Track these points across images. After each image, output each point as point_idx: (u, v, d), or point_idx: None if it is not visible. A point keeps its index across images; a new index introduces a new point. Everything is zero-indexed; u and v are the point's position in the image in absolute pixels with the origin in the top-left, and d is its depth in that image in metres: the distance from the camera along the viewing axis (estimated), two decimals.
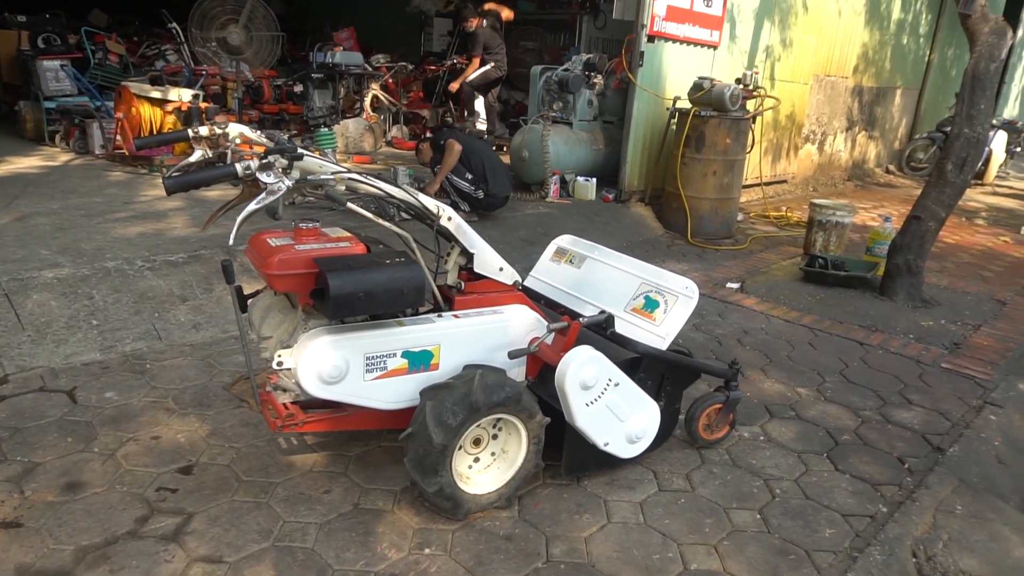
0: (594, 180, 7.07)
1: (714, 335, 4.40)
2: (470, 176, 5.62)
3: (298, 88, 8.86)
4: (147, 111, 6.64)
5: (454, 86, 9.10)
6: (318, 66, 8.68)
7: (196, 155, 2.42)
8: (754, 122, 6.95)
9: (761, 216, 7.97)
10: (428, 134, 7.30)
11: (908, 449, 3.16)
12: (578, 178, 7.09)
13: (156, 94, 6.73)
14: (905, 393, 3.72)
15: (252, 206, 1.96)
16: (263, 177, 1.98)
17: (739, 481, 2.84)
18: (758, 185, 8.31)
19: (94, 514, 2.38)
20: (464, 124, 9.50)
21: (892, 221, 5.74)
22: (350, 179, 2.19)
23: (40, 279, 3.76)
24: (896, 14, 10.27)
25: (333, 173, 2.14)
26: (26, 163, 6.64)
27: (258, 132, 2.52)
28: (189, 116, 6.45)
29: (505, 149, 8.60)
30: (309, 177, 2.11)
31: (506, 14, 9.11)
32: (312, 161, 2.13)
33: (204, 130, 2.41)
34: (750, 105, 6.86)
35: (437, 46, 12.40)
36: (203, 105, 6.93)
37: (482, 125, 9.56)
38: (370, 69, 9.43)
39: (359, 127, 8.32)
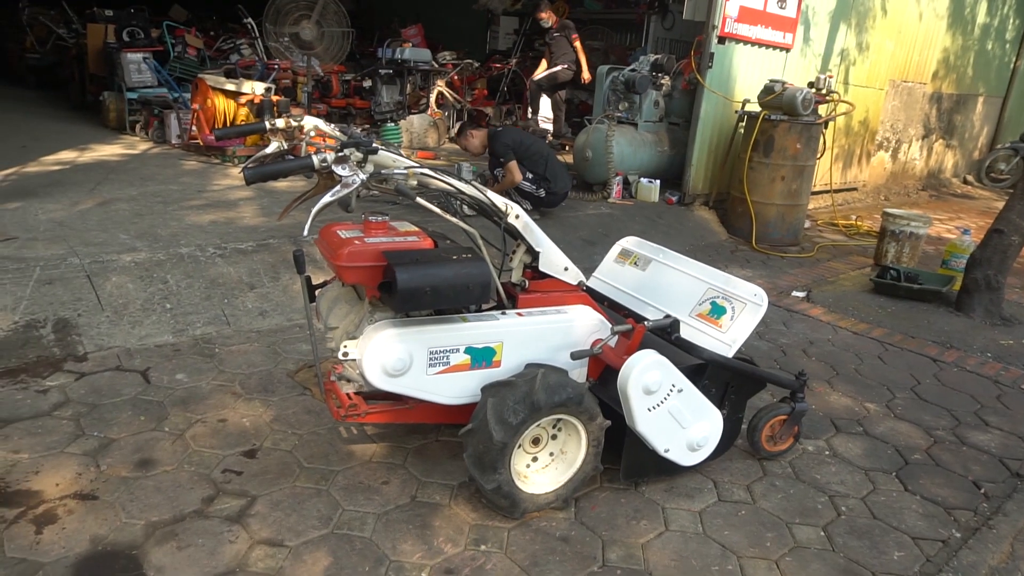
0: (658, 182, 6.97)
1: (778, 344, 4.28)
2: (531, 176, 5.60)
3: (366, 83, 9.01)
4: (221, 103, 6.85)
5: (536, 76, 8.97)
6: (386, 62, 8.81)
7: (272, 147, 2.47)
8: (826, 127, 6.75)
9: (829, 224, 7.73)
10: (482, 123, 7.24)
11: (984, 473, 3.01)
12: (641, 179, 7.01)
13: (230, 86, 6.94)
14: (981, 414, 3.55)
15: (327, 198, 1.99)
16: (338, 170, 2.00)
17: (802, 496, 2.75)
18: (827, 192, 8.06)
19: (164, 491, 2.46)
20: (528, 123, 9.50)
21: (971, 234, 5.49)
22: (423, 174, 2.20)
23: (119, 262, 3.91)
24: (981, 18, 9.80)
25: (407, 168, 2.15)
26: (108, 151, 6.93)
27: (332, 126, 2.56)
28: (261, 108, 6.61)
29: (568, 149, 8.57)
30: (383, 171, 2.13)
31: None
32: (386, 156, 2.15)
33: (280, 122, 2.46)
34: (822, 110, 6.66)
35: (503, 44, 12.43)
36: (274, 98, 7.11)
37: (547, 124, 9.53)
38: (436, 66, 9.52)
39: (424, 123, 8.41)
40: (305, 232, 1.98)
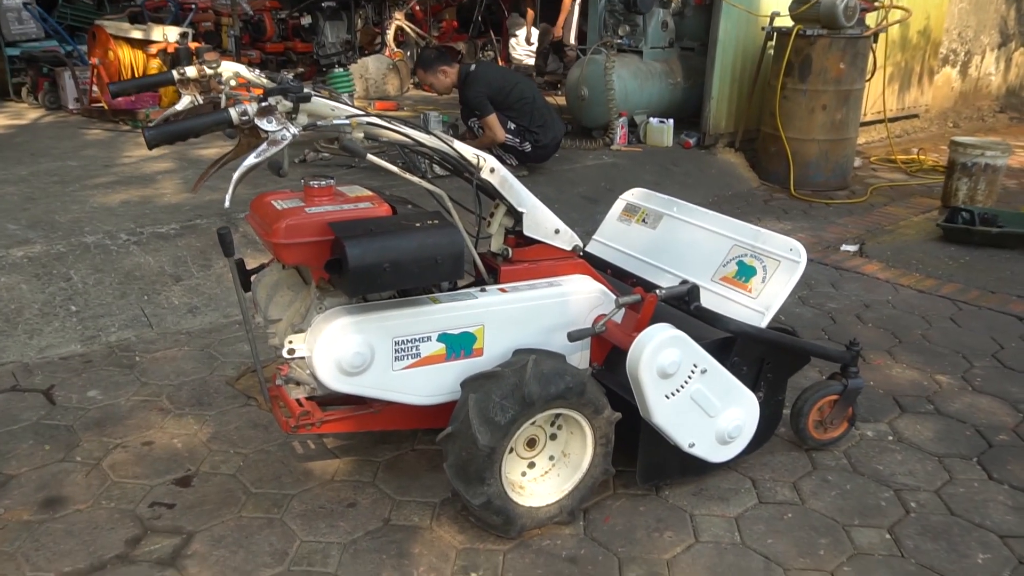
0: (671, 122, 6.97)
1: (826, 310, 4.30)
2: (513, 126, 5.58)
3: (306, 21, 8.93)
4: (127, 55, 6.81)
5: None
6: None
7: (184, 102, 2.46)
8: (875, 41, 6.73)
9: (885, 161, 7.75)
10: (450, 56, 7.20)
11: None
12: (651, 120, 7.00)
13: (137, 34, 6.89)
14: None
15: (251, 159, 1.98)
16: (263, 124, 1.99)
17: (862, 492, 2.78)
18: (881, 122, 8.06)
19: (77, 535, 2.46)
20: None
21: None
22: (370, 123, 2.19)
23: (7, 259, 3.90)
24: None
25: (348, 117, 2.14)
26: None
27: (257, 72, 2.55)
28: (177, 59, 6.57)
29: (560, 88, 8.55)
30: (319, 123, 2.12)
31: None
32: (322, 103, 2.13)
33: (192, 71, 2.44)
34: (870, 19, 6.65)
35: None
36: (193, 45, 7.06)
37: (528, 58, 9.49)
38: None
39: (381, 66, 8.35)
40: (227, 203, 1.97)
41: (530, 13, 9.47)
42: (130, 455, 2.87)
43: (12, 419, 3.08)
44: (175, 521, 2.53)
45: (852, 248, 5.29)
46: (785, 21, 6.56)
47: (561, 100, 7.68)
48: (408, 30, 9.58)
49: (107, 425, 3.05)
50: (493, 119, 5.45)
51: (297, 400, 2.50)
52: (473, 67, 5.64)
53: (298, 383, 2.53)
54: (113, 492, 2.66)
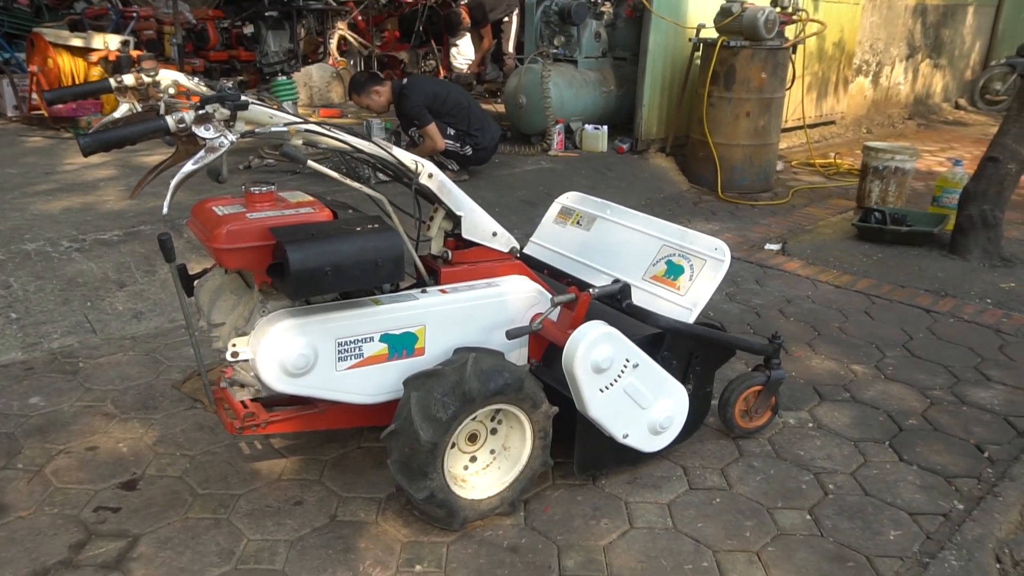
0: (605, 128, 7.03)
1: (751, 305, 4.39)
2: (452, 131, 5.58)
3: (249, 30, 8.79)
4: (67, 63, 6.61)
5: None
6: (271, 2, 8.61)
7: (122, 109, 2.40)
8: (794, 52, 6.90)
9: (805, 164, 7.94)
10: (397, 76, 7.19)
11: (988, 435, 3.16)
12: (586, 126, 7.06)
13: (77, 42, 6.69)
14: (982, 368, 3.72)
15: (189, 166, 1.94)
16: (201, 132, 1.95)
17: (784, 476, 2.85)
18: (800, 128, 8.26)
19: (19, 542, 2.38)
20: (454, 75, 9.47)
21: (963, 165, 5.72)
22: (308, 130, 2.17)
23: None
24: None
25: (286, 124, 2.11)
26: None
27: (196, 80, 2.50)
28: (119, 67, 6.40)
29: (499, 96, 8.56)
30: (258, 130, 2.09)
31: None
32: (260, 111, 2.11)
33: (129, 79, 2.39)
34: (789, 32, 6.80)
35: None
36: (134, 54, 6.89)
37: (463, 63, 9.49)
38: (334, 4, 9.35)
39: (325, 75, 8.27)
40: (165, 209, 1.93)
41: (465, 19, 9.44)
42: (74, 460, 2.79)
43: None
44: (120, 525, 2.47)
45: (775, 247, 5.41)
46: (711, 33, 6.67)
47: (500, 108, 7.69)
48: (351, 39, 9.49)
49: (50, 431, 2.96)
50: (433, 128, 5.43)
51: (242, 402, 2.47)
52: (405, 81, 5.62)
53: (243, 385, 2.50)
54: (56, 498, 2.58)
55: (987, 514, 2.66)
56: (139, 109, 2.32)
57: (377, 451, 2.85)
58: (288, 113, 2.26)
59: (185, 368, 3.45)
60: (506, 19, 9.35)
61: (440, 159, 5.61)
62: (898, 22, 9.92)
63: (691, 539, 2.50)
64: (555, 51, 7.19)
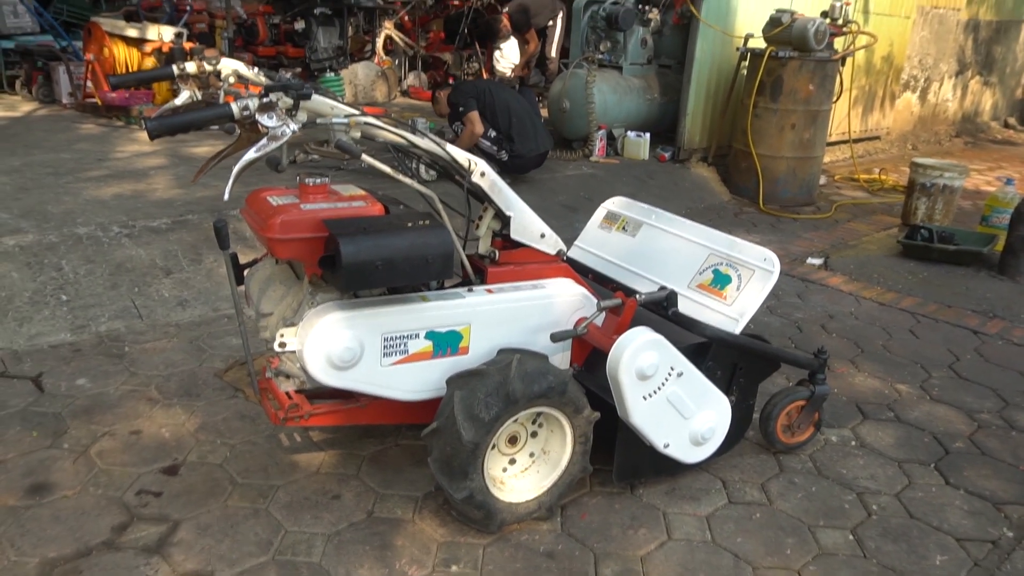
0: (647, 136, 6.99)
1: (793, 319, 4.33)
2: (493, 134, 5.57)
3: (299, 26, 8.87)
4: (122, 52, 6.71)
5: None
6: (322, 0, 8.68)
7: (183, 97, 2.41)
8: (843, 65, 6.81)
9: (849, 179, 7.83)
10: (450, 81, 7.23)
11: None
12: (628, 133, 7.02)
13: (132, 32, 6.79)
14: None
15: (251, 154, 1.94)
16: (264, 120, 1.95)
17: (826, 494, 2.79)
18: (845, 142, 8.15)
19: (64, 521, 2.40)
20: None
21: (1015, 184, 5.60)
22: (367, 123, 2.16)
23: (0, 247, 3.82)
24: None
25: (347, 116, 2.11)
26: None
27: (255, 71, 2.51)
28: (172, 58, 6.48)
29: (542, 100, 8.55)
30: (319, 121, 2.08)
31: None
32: (322, 101, 2.10)
33: (191, 67, 2.40)
34: (838, 44, 6.71)
35: None
36: (187, 46, 6.98)
37: (506, 67, 9.49)
38: (383, 3, 9.40)
39: (370, 73, 8.32)
40: (226, 196, 1.93)
41: (506, 25, 9.41)
42: (118, 443, 2.81)
43: (0, 405, 3.00)
44: (162, 509, 2.48)
45: (817, 261, 5.33)
46: (759, 43, 6.60)
47: (543, 111, 7.68)
48: (397, 39, 9.54)
49: (95, 413, 2.99)
50: (475, 114, 5.46)
51: (286, 393, 2.47)
52: (464, 86, 5.68)
53: (287, 376, 2.50)
54: (100, 479, 2.60)
55: None
56: (199, 97, 2.33)
57: (415, 449, 2.83)
58: (341, 103, 2.25)
59: (227, 357, 3.47)
60: (550, 23, 9.32)
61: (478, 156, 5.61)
62: (949, 37, 9.74)
63: (730, 553, 2.45)
64: (600, 57, 7.16)
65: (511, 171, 5.77)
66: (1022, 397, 3.57)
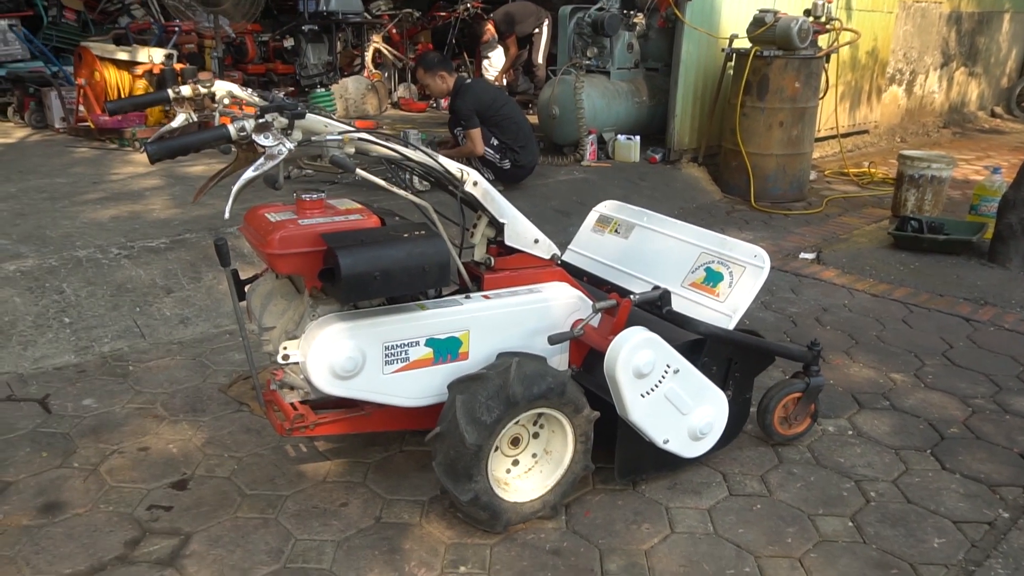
0: (637, 138, 7.04)
1: (787, 314, 4.38)
2: (496, 142, 5.62)
3: (288, 43, 8.94)
4: (113, 75, 6.75)
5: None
6: (310, 16, 8.74)
7: (179, 120, 2.47)
8: (828, 61, 6.87)
9: (838, 174, 7.88)
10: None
11: None
12: (618, 136, 7.07)
13: (122, 55, 6.84)
14: None
15: (250, 173, 1.99)
16: (260, 140, 2.01)
17: (825, 483, 2.83)
18: (834, 137, 8.21)
19: (77, 538, 2.44)
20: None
21: (1002, 173, 5.65)
22: (361, 139, 2.22)
23: (0, 273, 3.85)
24: None
25: (341, 133, 2.16)
26: None
27: (249, 91, 2.56)
28: (163, 79, 6.53)
29: (531, 107, 8.61)
30: (314, 139, 2.14)
31: None
32: (316, 120, 2.16)
33: (187, 90, 2.45)
34: (822, 41, 6.77)
35: None
36: (178, 66, 7.03)
37: (493, 75, 9.55)
38: (370, 18, 9.47)
39: (360, 87, 8.37)
40: (226, 214, 1.99)
41: (490, 31, 9.47)
42: (127, 460, 2.85)
43: (9, 427, 3.04)
44: (173, 523, 2.52)
45: (810, 256, 5.38)
46: (743, 43, 6.66)
47: (532, 118, 7.73)
48: (386, 52, 9.60)
49: (103, 432, 3.03)
50: (476, 133, 5.50)
51: (291, 404, 2.51)
52: (469, 80, 5.69)
53: (291, 388, 2.55)
54: (111, 496, 2.64)
55: None
56: (195, 119, 2.38)
57: (419, 454, 2.88)
58: (334, 120, 2.30)
59: (231, 372, 3.52)
60: (536, 31, 9.40)
61: (477, 166, 5.66)
62: (932, 30, 9.83)
63: (732, 544, 2.50)
64: (588, 62, 7.22)
65: (510, 180, 5.81)
66: (1015, 382, 3.62)
